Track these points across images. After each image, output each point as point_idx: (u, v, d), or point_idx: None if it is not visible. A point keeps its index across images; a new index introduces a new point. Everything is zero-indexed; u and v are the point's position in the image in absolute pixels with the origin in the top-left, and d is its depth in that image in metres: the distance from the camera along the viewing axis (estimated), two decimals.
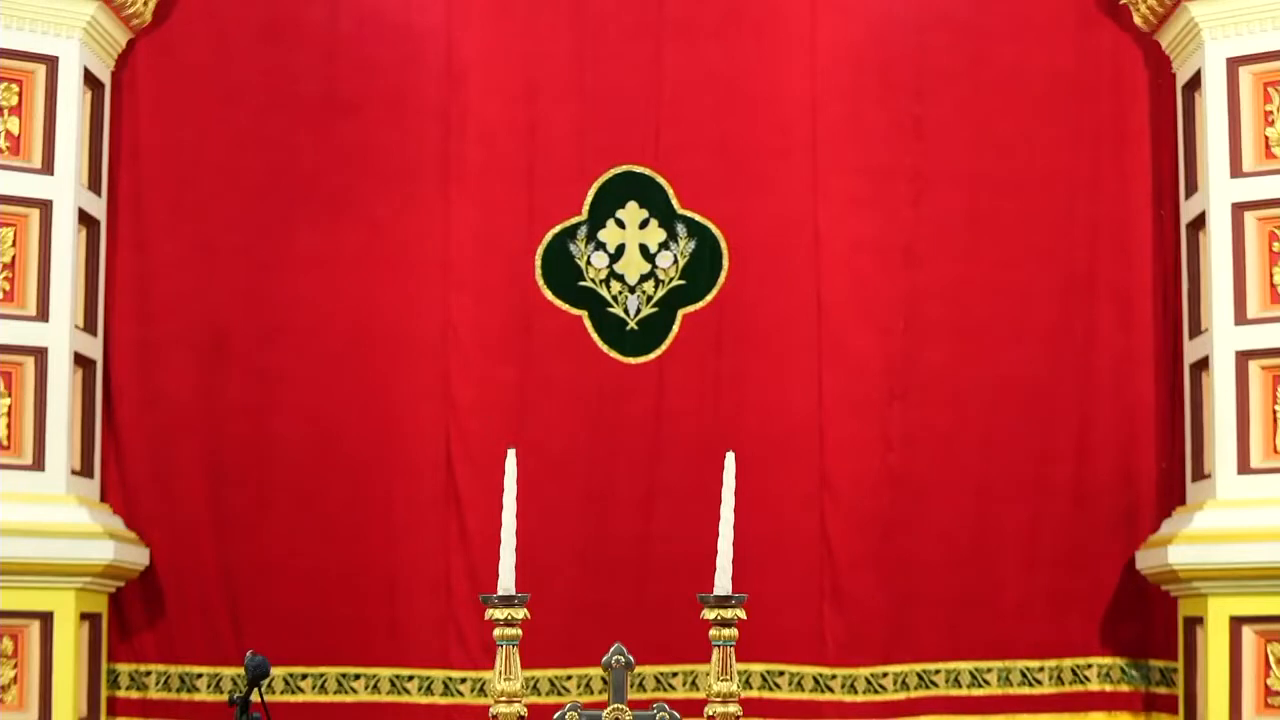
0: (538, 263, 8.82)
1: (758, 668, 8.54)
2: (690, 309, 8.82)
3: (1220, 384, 8.12)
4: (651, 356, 8.80)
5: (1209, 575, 7.97)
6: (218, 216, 8.79)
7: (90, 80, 8.53)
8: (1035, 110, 8.78)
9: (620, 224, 8.86)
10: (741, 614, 6.34)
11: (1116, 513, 8.63)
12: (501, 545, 6.35)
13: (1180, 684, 8.35)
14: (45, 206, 8.30)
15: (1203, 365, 8.32)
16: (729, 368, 8.78)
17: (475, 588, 8.31)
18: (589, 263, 8.83)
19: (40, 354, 8.23)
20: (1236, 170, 8.19)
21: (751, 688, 8.50)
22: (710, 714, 6.34)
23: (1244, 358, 8.10)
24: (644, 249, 8.85)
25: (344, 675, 8.66)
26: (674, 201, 8.84)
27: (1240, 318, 8.12)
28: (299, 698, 8.61)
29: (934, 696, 8.62)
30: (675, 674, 8.58)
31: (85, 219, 8.52)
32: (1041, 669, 8.63)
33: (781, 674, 8.61)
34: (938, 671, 8.63)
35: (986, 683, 8.63)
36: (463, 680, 8.63)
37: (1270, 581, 7.86)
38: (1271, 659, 7.94)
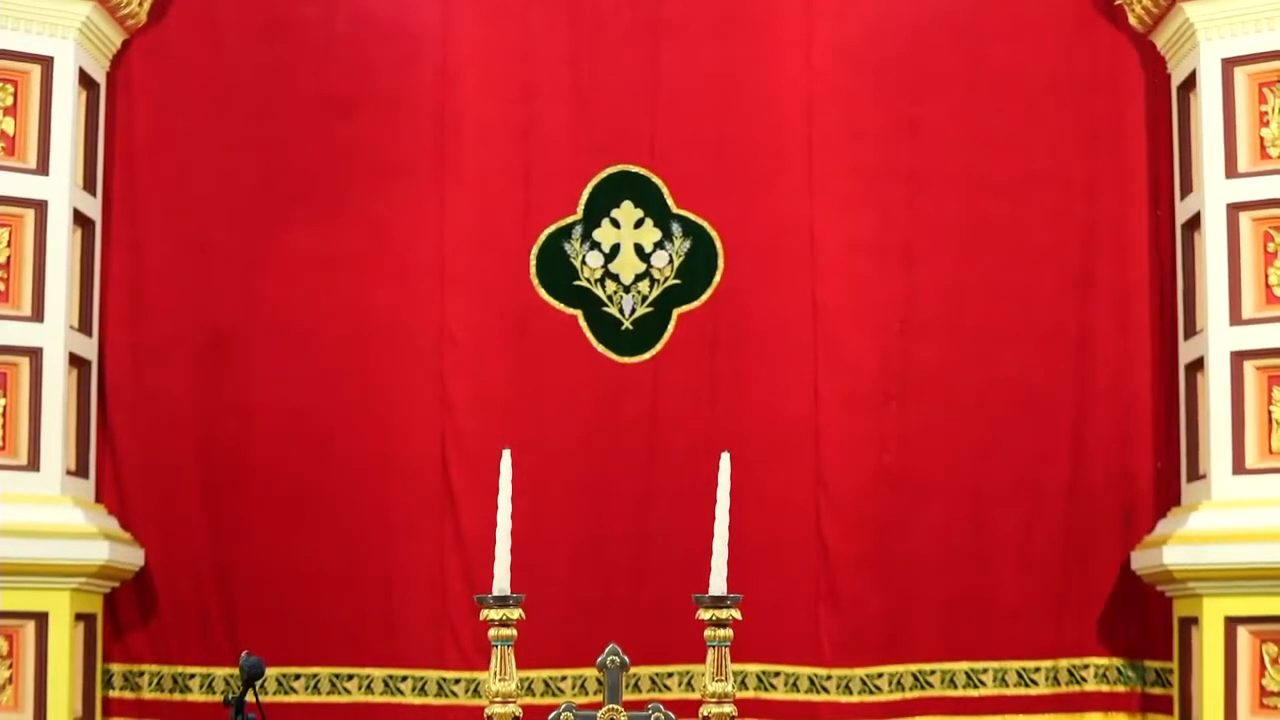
0: (532, 262, 8.82)
1: (753, 668, 8.54)
2: (685, 309, 8.81)
3: (1215, 385, 8.12)
4: (647, 356, 8.79)
5: (1204, 576, 7.97)
6: (213, 216, 8.77)
7: (85, 80, 8.52)
8: (1031, 111, 8.78)
9: (615, 223, 8.85)
10: (737, 614, 6.35)
11: (1112, 513, 8.62)
12: (497, 545, 6.35)
13: (1175, 684, 8.35)
14: (40, 207, 8.28)
15: (1198, 366, 8.32)
16: (724, 368, 8.77)
17: (470, 588, 8.30)
18: (584, 262, 8.83)
19: (35, 354, 8.22)
20: (1232, 171, 8.18)
21: (747, 688, 8.48)
22: (705, 715, 6.34)
23: (1239, 358, 8.09)
24: (639, 248, 8.84)
25: (337, 675, 8.65)
26: (669, 201, 8.83)
27: (1235, 318, 8.12)
28: (292, 698, 8.60)
29: (930, 697, 8.62)
30: (671, 674, 8.57)
31: (80, 219, 8.51)
32: (1038, 669, 8.62)
33: (777, 674, 8.60)
34: (933, 672, 8.62)
35: (982, 683, 8.62)
36: (457, 681, 8.62)
37: (1266, 582, 7.86)
38: (1266, 659, 7.94)
